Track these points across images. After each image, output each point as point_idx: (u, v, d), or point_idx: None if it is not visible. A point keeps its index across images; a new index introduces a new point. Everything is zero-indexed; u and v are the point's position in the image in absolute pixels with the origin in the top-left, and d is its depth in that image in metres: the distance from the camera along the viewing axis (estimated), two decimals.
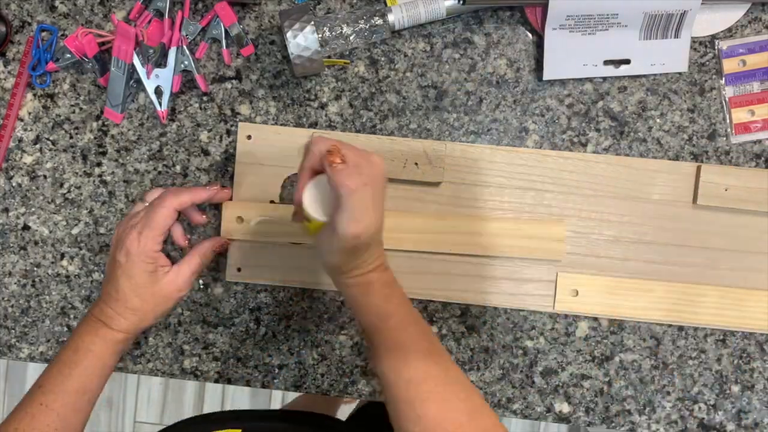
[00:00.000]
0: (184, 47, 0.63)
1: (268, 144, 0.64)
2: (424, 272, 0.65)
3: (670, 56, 0.63)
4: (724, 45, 0.64)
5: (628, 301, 0.64)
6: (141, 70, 0.63)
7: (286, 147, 0.64)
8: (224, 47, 0.64)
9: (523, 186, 0.64)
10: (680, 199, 0.64)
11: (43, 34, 0.66)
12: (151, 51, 0.63)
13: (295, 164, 0.63)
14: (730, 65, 0.64)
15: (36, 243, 0.67)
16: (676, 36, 0.63)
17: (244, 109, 0.65)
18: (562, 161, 0.64)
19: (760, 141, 0.65)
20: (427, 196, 0.64)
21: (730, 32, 0.64)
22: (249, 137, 0.64)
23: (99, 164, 0.66)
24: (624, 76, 0.64)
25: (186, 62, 0.63)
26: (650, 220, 0.64)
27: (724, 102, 0.64)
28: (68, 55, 0.64)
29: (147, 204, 0.59)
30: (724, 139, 0.65)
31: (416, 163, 0.62)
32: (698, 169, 0.63)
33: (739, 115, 0.64)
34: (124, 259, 0.57)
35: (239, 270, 0.65)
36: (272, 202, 0.64)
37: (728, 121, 0.64)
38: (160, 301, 0.58)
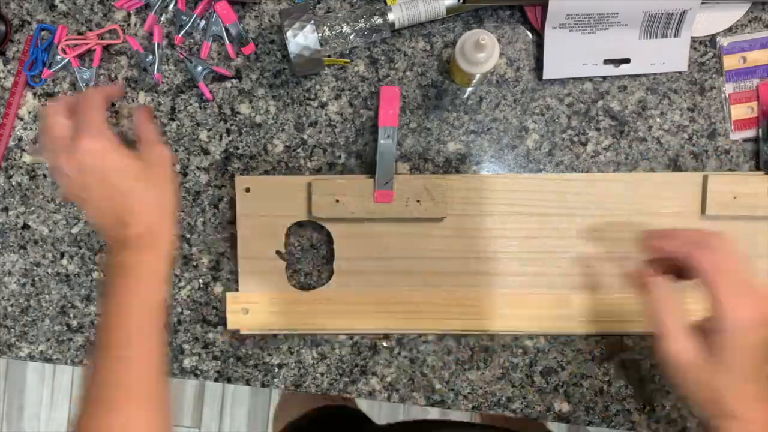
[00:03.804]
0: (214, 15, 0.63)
1: (268, 194, 0.63)
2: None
3: (670, 55, 0.63)
4: (725, 41, 0.64)
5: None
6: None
7: (286, 196, 0.63)
8: (227, 42, 0.64)
9: (526, 212, 0.63)
10: (688, 210, 0.63)
11: (43, 33, 0.66)
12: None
13: (296, 212, 0.63)
14: (730, 62, 0.64)
15: (36, 242, 0.67)
16: (676, 35, 0.63)
17: (244, 109, 0.65)
18: (565, 183, 0.63)
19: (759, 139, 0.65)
20: (432, 231, 0.63)
21: (730, 32, 0.64)
22: (247, 190, 0.63)
23: None
24: (624, 76, 0.64)
25: (216, 28, 0.64)
26: None
27: (724, 99, 0.64)
28: (59, 58, 0.64)
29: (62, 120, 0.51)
30: (724, 138, 0.65)
31: (418, 201, 0.61)
32: (705, 178, 0.62)
33: (739, 111, 0.64)
34: (90, 168, 0.49)
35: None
36: (278, 252, 0.64)
37: (728, 117, 0.64)
38: (160, 179, 0.52)
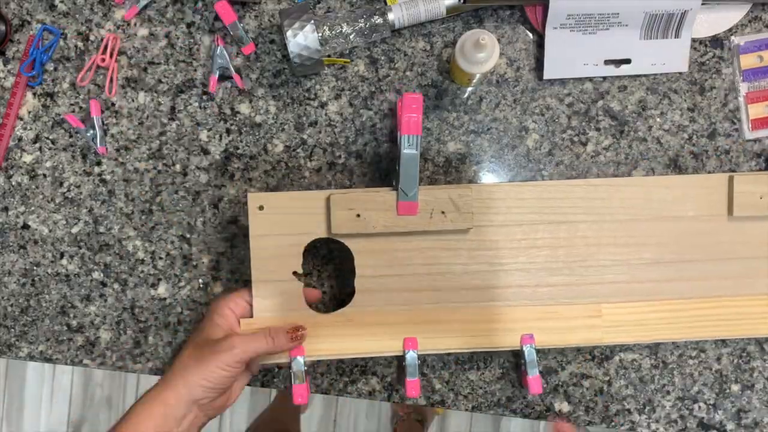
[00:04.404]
0: (222, 47, 0.64)
1: (283, 212, 0.59)
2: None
3: (671, 56, 0.63)
4: (741, 41, 0.63)
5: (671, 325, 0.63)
6: None
7: (303, 212, 0.59)
8: (233, 73, 0.64)
9: (555, 220, 0.61)
10: (715, 212, 0.61)
11: (44, 33, 0.66)
12: None
13: (314, 229, 0.59)
14: (747, 61, 0.64)
15: (35, 242, 0.67)
16: (677, 36, 0.63)
17: (244, 108, 0.65)
18: (592, 189, 0.61)
19: (760, 140, 0.65)
20: (458, 243, 0.60)
21: (730, 32, 0.64)
22: (261, 208, 0.59)
23: (99, 163, 0.66)
24: (624, 75, 0.64)
25: (221, 60, 0.64)
26: (687, 237, 0.62)
27: (740, 97, 0.64)
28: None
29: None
30: (725, 138, 0.65)
31: (443, 212, 0.58)
32: (730, 179, 0.61)
33: (757, 110, 0.64)
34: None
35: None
36: (295, 273, 0.60)
37: (745, 116, 0.64)
38: (207, 359, 0.55)
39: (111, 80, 0.65)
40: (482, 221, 0.61)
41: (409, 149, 0.55)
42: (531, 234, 0.61)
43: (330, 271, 0.66)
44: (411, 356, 0.60)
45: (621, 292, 0.62)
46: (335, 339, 0.60)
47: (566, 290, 0.62)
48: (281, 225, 0.59)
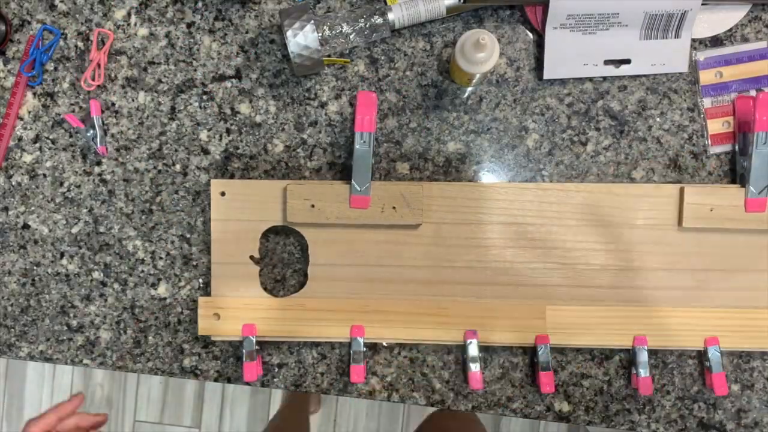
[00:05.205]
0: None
1: (243, 199, 0.63)
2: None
3: (671, 56, 0.63)
4: (701, 56, 0.63)
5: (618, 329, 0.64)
6: None
7: (261, 200, 0.63)
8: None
9: (504, 221, 0.63)
10: (665, 222, 0.63)
11: (44, 33, 0.66)
12: None
13: (271, 217, 0.63)
14: (706, 77, 0.64)
15: (36, 242, 0.67)
16: (677, 36, 0.63)
17: (244, 108, 0.65)
18: (542, 193, 0.63)
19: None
20: (409, 238, 0.63)
21: (730, 32, 0.64)
22: (223, 194, 0.63)
23: (99, 163, 0.66)
24: (624, 76, 0.64)
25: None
26: (636, 245, 0.63)
27: (702, 113, 0.64)
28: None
29: None
30: None
31: (394, 207, 0.61)
32: (681, 191, 0.62)
33: (715, 126, 0.64)
34: None
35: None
36: (252, 257, 0.64)
37: (705, 132, 0.64)
38: None
39: (97, 68, 0.65)
40: (433, 218, 0.63)
41: (362, 146, 0.59)
42: (480, 233, 0.63)
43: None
44: (357, 343, 0.63)
45: (566, 295, 0.64)
46: (286, 322, 0.64)
47: (512, 290, 0.64)
48: (241, 211, 0.63)
